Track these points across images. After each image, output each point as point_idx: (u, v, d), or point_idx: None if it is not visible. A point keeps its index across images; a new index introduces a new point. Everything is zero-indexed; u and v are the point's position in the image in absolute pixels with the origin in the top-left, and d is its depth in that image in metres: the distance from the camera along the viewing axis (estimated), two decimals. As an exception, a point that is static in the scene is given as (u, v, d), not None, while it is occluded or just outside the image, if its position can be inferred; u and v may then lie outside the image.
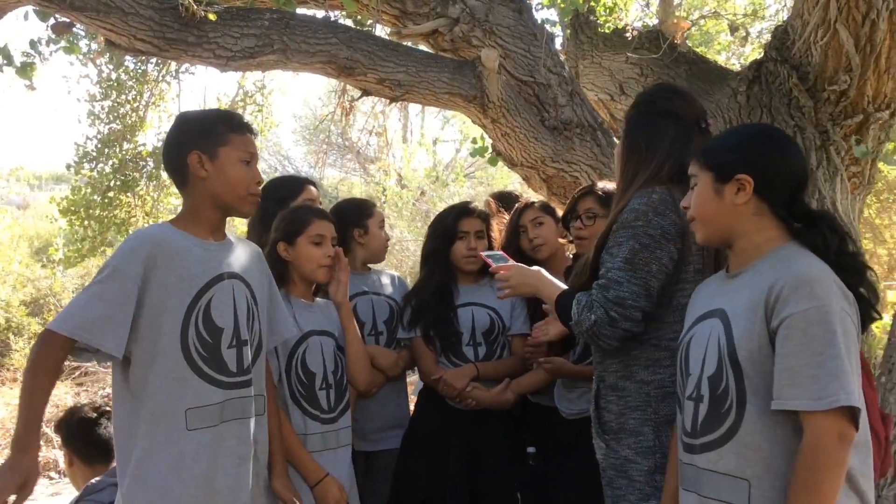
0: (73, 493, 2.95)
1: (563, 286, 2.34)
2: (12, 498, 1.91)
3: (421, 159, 13.76)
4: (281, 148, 18.79)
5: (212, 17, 3.26)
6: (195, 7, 3.21)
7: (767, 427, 1.70)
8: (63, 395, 8.04)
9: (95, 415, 2.91)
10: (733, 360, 1.74)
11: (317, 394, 2.65)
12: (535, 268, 2.44)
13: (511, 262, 2.50)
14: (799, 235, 1.82)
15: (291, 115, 19.94)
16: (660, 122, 2.21)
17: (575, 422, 2.77)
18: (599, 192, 2.85)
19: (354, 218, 3.26)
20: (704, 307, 1.90)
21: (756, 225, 1.83)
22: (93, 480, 2.78)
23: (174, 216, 2.30)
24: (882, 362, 3.60)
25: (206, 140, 2.19)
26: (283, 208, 2.95)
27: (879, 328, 4.87)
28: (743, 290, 1.79)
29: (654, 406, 2.10)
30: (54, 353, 2.01)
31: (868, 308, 1.77)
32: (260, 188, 2.28)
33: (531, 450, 3.05)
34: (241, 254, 2.30)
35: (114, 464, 2.88)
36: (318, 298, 2.85)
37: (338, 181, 16.25)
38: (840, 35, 4.00)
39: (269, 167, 16.89)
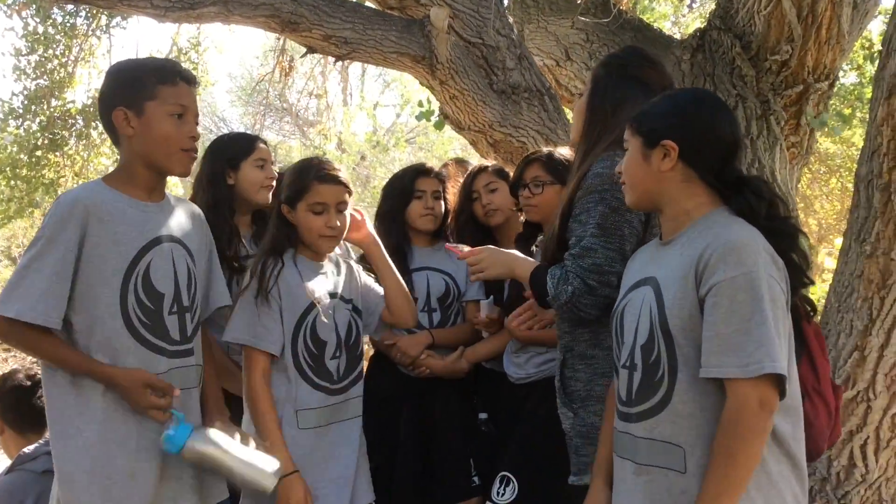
0: (6, 460, 2.85)
1: (536, 262, 2.30)
2: None
3: (361, 123, 13.59)
4: (216, 109, 18.36)
5: (149, -35, 3.11)
6: (132, -46, 3.05)
7: (699, 395, 1.71)
8: (-10, 361, 7.78)
9: (30, 383, 2.79)
10: (664, 329, 1.74)
11: (326, 364, 2.45)
12: (508, 250, 2.41)
13: (479, 248, 2.45)
14: (729, 201, 1.82)
15: (227, 75, 19.44)
16: (629, 90, 2.19)
17: (522, 386, 2.77)
18: (545, 160, 2.82)
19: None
20: (638, 275, 1.89)
21: (684, 191, 1.83)
22: (26, 449, 2.68)
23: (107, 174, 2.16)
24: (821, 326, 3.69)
25: (132, 94, 2.03)
26: (232, 168, 2.83)
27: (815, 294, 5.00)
28: (674, 258, 1.79)
29: None
30: (16, 331, 1.95)
31: (799, 273, 1.78)
32: (195, 143, 2.10)
33: (483, 416, 3.04)
34: (180, 216, 2.17)
35: (48, 433, 2.79)
36: (328, 256, 2.58)
37: (276, 144, 15.93)
38: (783, 5, 4.04)
39: (203, 129, 16.42)
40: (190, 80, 2.10)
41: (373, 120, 12.62)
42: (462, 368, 2.94)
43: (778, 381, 1.64)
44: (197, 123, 2.13)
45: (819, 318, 3.72)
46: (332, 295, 2.50)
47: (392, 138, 12.59)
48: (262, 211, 2.90)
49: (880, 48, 3.39)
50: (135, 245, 2.02)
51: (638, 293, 1.85)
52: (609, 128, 2.17)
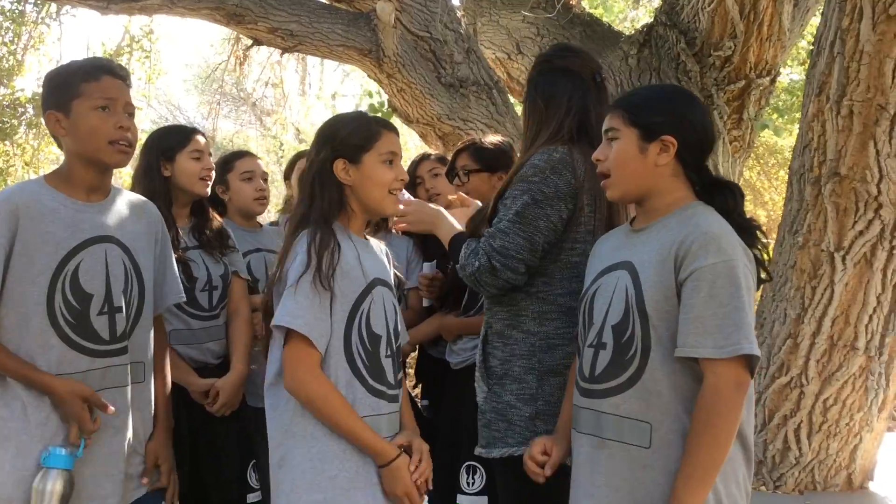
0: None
1: (461, 228, 2.36)
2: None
3: (319, 113, 13.49)
4: (172, 97, 18.10)
5: (91, -44, 3.09)
6: (72, -56, 3.03)
7: (669, 373, 1.78)
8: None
9: None
10: (641, 310, 1.81)
11: (382, 363, 2.05)
12: (436, 206, 2.44)
13: (411, 198, 2.49)
14: (701, 196, 1.89)
15: (183, 64, 19.12)
16: (557, 80, 2.25)
17: (461, 371, 2.82)
18: (472, 149, 2.89)
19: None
20: (608, 260, 1.95)
21: (670, 185, 1.89)
22: None
23: (56, 167, 2.16)
24: (755, 316, 3.80)
25: (60, 96, 2.03)
26: (167, 160, 2.83)
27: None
28: (651, 244, 1.85)
29: (538, 356, 2.17)
30: None
31: (759, 268, 1.87)
32: (126, 133, 2.06)
33: (424, 402, 3.09)
34: (122, 214, 2.16)
35: None
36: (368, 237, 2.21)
37: (232, 133, 15.77)
38: (726, 2, 4.13)
39: (159, 117, 16.24)
40: (115, 73, 2.08)
41: (331, 110, 12.56)
42: (405, 352, 2.99)
43: (749, 363, 1.73)
44: (131, 115, 2.11)
45: (756, 307, 3.83)
46: (382, 282, 2.13)
47: (350, 128, 12.48)
48: (201, 202, 2.92)
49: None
50: (65, 245, 2.01)
51: (611, 277, 1.90)
52: (546, 121, 2.23)
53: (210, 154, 2.90)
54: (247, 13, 3.60)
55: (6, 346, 1.99)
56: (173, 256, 2.33)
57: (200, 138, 2.89)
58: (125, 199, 2.20)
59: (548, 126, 2.23)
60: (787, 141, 8.17)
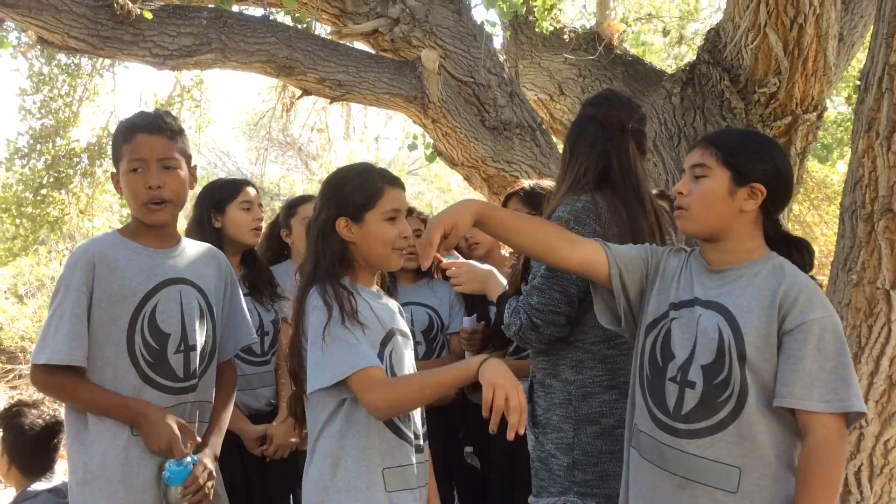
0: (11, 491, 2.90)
1: (503, 285, 2.39)
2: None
3: (363, 156, 13.68)
4: (221, 144, 18.52)
5: (147, 15, 3.21)
6: (130, 5, 3.16)
7: (765, 420, 1.79)
8: (-4, 398, 7.83)
9: (43, 429, 2.85)
10: (741, 355, 1.81)
11: (410, 413, 2.05)
12: (487, 266, 2.48)
13: (461, 259, 2.54)
14: (777, 248, 1.91)
15: (232, 111, 19.63)
16: (584, 128, 2.28)
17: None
18: (523, 193, 2.93)
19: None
20: (684, 294, 1.93)
21: (750, 231, 1.91)
22: (31, 487, 2.73)
23: (110, 212, 2.30)
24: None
25: (113, 157, 2.20)
26: (218, 211, 2.91)
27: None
28: (746, 289, 1.85)
29: (574, 405, 2.17)
30: (54, 379, 2.07)
31: None
32: (158, 193, 2.13)
33: (468, 449, 3.08)
34: (194, 258, 2.27)
35: (52, 472, 2.85)
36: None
37: (279, 178, 16.07)
38: (769, 38, 4.12)
39: (208, 163, 16.63)
40: (151, 129, 2.14)
41: (374, 153, 12.74)
42: (448, 397, 2.99)
43: (846, 418, 1.76)
44: (169, 168, 2.14)
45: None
46: (403, 333, 2.15)
47: (394, 170, 12.67)
48: (251, 251, 2.99)
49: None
50: (142, 288, 2.12)
51: (692, 312, 1.89)
52: (570, 166, 2.25)
53: (260, 205, 2.98)
54: (296, 65, 3.70)
55: (95, 384, 2.09)
56: (243, 300, 2.41)
57: (250, 190, 2.99)
58: (194, 246, 2.31)
59: (572, 172, 2.25)
60: (832, 171, 8.04)
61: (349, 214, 2.06)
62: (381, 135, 14.64)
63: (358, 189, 2.08)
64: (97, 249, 2.12)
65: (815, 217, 8.44)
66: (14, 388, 8.43)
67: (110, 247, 2.14)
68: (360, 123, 13.43)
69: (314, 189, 14.51)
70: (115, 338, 2.09)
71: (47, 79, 7.02)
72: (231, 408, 2.37)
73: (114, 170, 2.20)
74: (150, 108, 7.38)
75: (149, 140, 2.13)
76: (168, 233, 2.23)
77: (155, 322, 2.12)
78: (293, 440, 2.76)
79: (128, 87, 21.88)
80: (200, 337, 2.20)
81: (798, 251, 1.90)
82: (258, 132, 13.15)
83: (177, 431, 2.06)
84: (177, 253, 2.23)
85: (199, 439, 2.15)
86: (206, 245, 2.38)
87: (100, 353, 2.08)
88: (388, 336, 2.05)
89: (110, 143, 2.30)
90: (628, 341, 2.07)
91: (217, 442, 2.26)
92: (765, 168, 1.88)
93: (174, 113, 7.46)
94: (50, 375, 2.06)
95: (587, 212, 2.13)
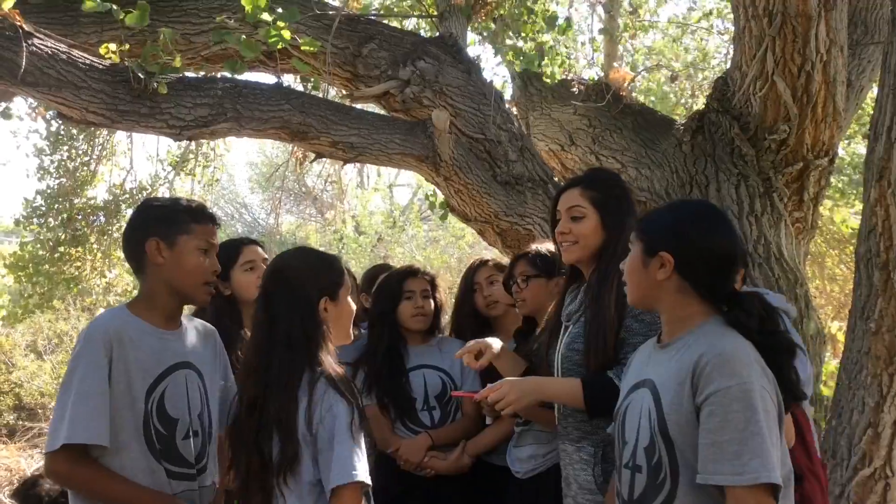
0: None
1: (561, 380, 2.39)
2: None
3: (377, 203, 13.79)
4: (237, 195, 18.74)
5: (162, 90, 3.28)
6: (147, 79, 3.23)
7: (699, 497, 1.77)
8: (16, 458, 7.82)
9: (62, 502, 2.87)
10: (664, 433, 1.81)
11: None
12: (533, 379, 2.48)
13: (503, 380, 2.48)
14: (723, 313, 1.89)
15: (247, 163, 19.93)
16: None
17: (530, 481, 2.79)
18: (530, 256, 2.96)
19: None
20: (635, 376, 1.97)
21: (679, 301, 1.91)
22: None
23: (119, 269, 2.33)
24: (832, 405, 3.69)
25: (167, 229, 2.20)
26: (223, 279, 2.92)
27: (826, 372, 4.99)
28: (671, 363, 1.86)
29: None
30: (78, 470, 2.02)
31: (792, 387, 1.84)
32: (216, 279, 2.28)
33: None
34: (194, 339, 2.28)
35: None
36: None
37: (295, 227, 16.20)
38: (777, 86, 4.15)
39: (225, 214, 16.81)
40: (216, 222, 2.28)
41: (388, 200, 12.84)
42: (465, 464, 2.99)
43: (773, 489, 1.70)
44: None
45: (833, 394, 3.72)
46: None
47: (408, 217, 12.76)
48: None
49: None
50: (153, 372, 2.12)
51: (637, 394, 1.91)
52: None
53: (265, 259, 2.94)
54: (310, 129, 3.76)
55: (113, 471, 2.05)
56: (234, 378, 2.42)
57: (251, 248, 2.97)
58: (193, 326, 2.32)
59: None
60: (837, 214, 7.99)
61: (330, 294, 2.19)
62: (394, 182, 14.75)
63: (329, 273, 2.24)
64: (113, 327, 2.11)
65: (835, 257, 8.39)
66: (35, 446, 8.43)
67: (124, 325, 2.13)
68: (374, 171, 13.54)
69: (328, 238, 14.60)
70: (131, 422, 2.07)
71: (65, 139, 7.14)
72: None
73: (159, 239, 2.18)
74: (165, 165, 7.52)
75: (215, 231, 2.27)
76: (178, 314, 2.26)
77: (164, 407, 2.12)
78: None
79: (144, 144, 22.21)
80: (202, 422, 2.21)
81: (744, 310, 1.84)
82: (273, 183, 13.29)
83: None
84: (181, 334, 2.25)
85: None
86: (202, 323, 2.40)
87: (115, 436, 2.05)
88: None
89: (154, 212, 2.31)
90: None
91: None
92: (669, 236, 1.89)
93: (188, 168, 7.59)
94: (73, 465, 1.99)
95: None
